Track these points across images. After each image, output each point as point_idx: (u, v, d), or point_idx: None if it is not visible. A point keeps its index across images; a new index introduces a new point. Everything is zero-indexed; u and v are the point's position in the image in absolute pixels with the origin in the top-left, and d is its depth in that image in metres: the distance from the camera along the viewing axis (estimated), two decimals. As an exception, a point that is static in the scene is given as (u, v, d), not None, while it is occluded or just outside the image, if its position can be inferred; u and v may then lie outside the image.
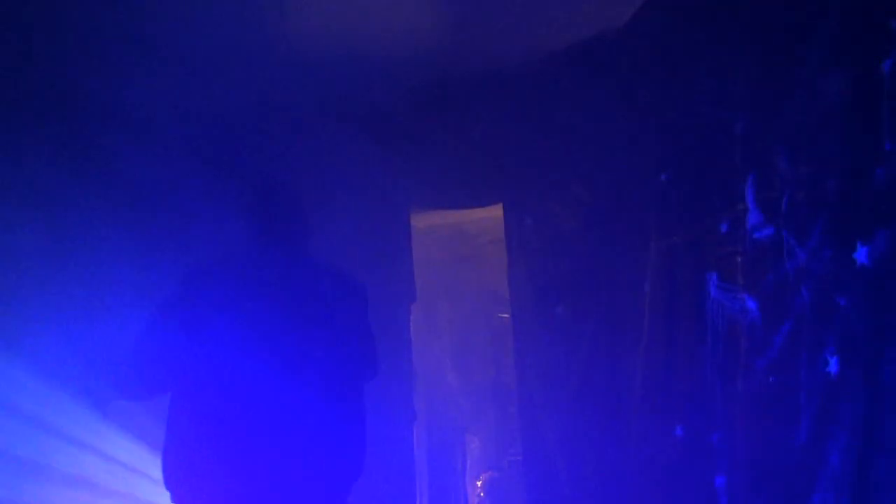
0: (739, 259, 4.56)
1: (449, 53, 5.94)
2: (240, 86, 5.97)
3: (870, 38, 3.96)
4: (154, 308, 4.70)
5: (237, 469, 4.57)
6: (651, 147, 5.34)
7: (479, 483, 8.02)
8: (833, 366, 3.98)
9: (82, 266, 5.75)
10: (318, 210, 6.32)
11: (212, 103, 5.94)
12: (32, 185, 5.59)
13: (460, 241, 8.14)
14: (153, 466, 5.61)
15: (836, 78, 4.14)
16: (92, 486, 5.76)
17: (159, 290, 5.05)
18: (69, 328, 5.63)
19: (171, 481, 4.66)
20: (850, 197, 4.01)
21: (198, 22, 5.35)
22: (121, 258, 5.79)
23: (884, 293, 3.90)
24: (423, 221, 7.57)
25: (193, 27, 5.37)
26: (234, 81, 5.93)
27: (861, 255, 3.94)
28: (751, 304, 4.47)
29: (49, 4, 5.20)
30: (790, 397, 4.13)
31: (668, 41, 5.18)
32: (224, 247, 5.26)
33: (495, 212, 7.19)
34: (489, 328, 8.14)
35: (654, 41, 5.30)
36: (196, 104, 5.88)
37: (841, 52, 4.14)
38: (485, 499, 7.98)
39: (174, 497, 4.66)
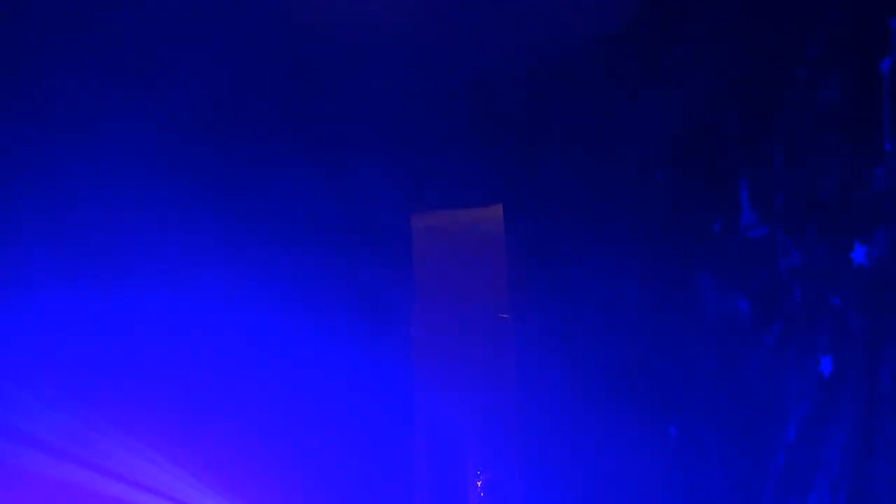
0: (732, 258, 4.56)
1: (448, 54, 5.94)
2: (243, 88, 5.97)
3: (870, 38, 3.95)
4: None
5: None
6: (647, 146, 5.34)
7: (479, 483, 8.00)
8: (826, 365, 3.97)
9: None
10: (319, 212, 6.34)
11: (214, 104, 5.94)
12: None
13: (460, 241, 8.12)
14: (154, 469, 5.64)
15: (836, 77, 4.13)
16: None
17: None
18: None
19: None
20: (849, 197, 4.01)
21: (196, 20, 5.36)
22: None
23: (883, 293, 3.89)
24: (423, 221, 7.55)
25: (195, 23, 5.39)
26: (234, 81, 5.93)
27: (859, 254, 3.93)
28: (742, 304, 4.47)
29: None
30: (782, 397, 4.13)
31: (667, 41, 5.18)
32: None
33: (495, 212, 7.18)
34: (489, 328, 8.11)
35: (652, 41, 5.31)
36: (198, 104, 5.88)
37: (840, 52, 4.13)
38: (485, 499, 7.96)
39: None
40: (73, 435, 5.66)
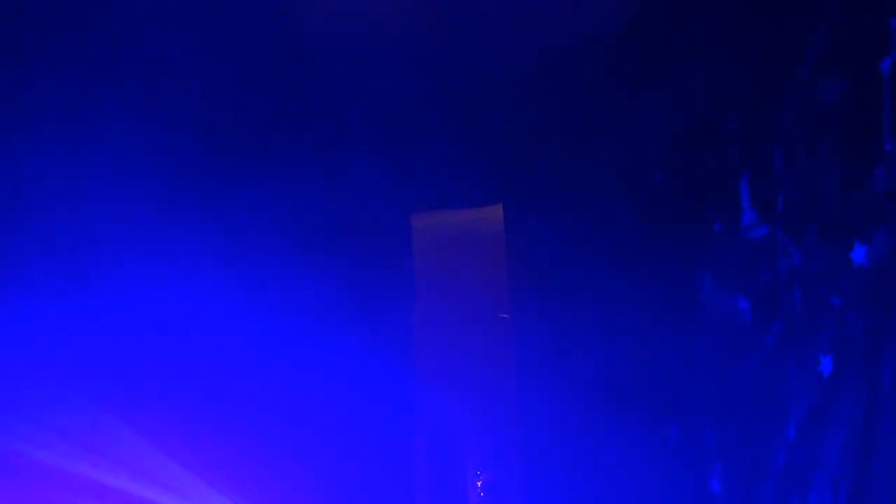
0: (733, 259, 4.56)
1: (448, 54, 5.94)
2: (242, 87, 5.97)
3: (870, 38, 3.95)
4: None
5: None
6: (647, 146, 5.34)
7: (479, 483, 8.00)
8: (826, 365, 3.97)
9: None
10: (319, 212, 6.34)
11: (213, 103, 5.94)
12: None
13: (460, 241, 8.12)
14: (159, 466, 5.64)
15: (836, 78, 4.13)
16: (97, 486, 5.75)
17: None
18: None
19: None
20: (849, 197, 4.01)
21: (193, 20, 5.35)
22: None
23: (882, 293, 3.89)
24: (423, 221, 7.55)
25: (191, 22, 5.38)
26: (236, 82, 5.93)
27: (859, 255, 3.93)
28: (743, 304, 4.47)
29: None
30: (782, 397, 4.13)
31: (666, 41, 5.18)
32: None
33: (495, 212, 7.18)
34: (489, 328, 8.11)
35: (652, 42, 5.30)
36: (197, 103, 5.88)
37: (841, 52, 4.13)
38: (485, 499, 7.96)
39: None
40: (74, 434, 5.66)
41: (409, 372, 6.88)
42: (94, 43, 5.55)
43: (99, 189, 5.69)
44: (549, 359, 6.46)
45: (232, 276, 6.05)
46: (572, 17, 5.55)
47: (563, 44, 5.83)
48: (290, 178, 6.22)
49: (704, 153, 4.87)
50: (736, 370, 4.56)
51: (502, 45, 5.85)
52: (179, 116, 5.85)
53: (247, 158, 6.16)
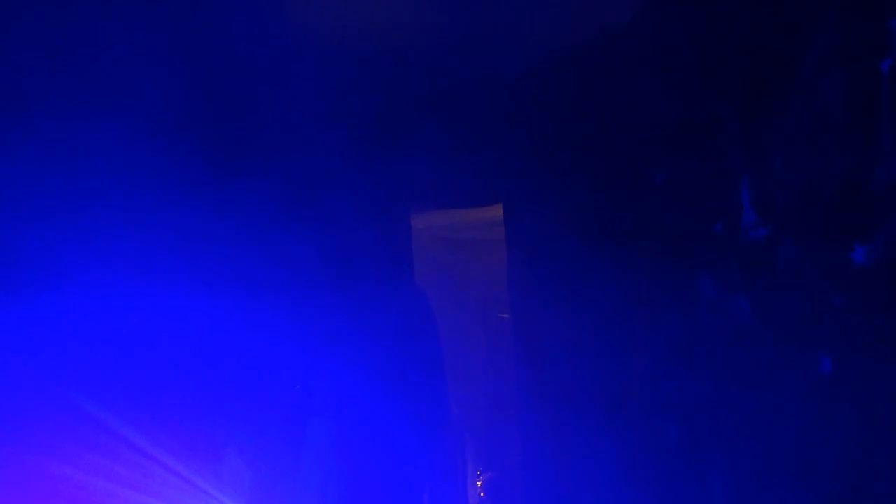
0: (734, 259, 4.56)
1: (449, 55, 5.95)
2: (242, 87, 5.97)
3: (870, 38, 3.96)
4: None
5: None
6: (647, 147, 5.34)
7: (479, 483, 8.01)
8: (826, 365, 3.98)
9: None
10: (319, 213, 6.34)
11: (215, 103, 5.94)
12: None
13: (460, 241, 8.13)
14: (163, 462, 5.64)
15: (836, 78, 4.14)
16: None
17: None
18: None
19: None
20: (848, 197, 4.01)
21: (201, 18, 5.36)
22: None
23: (882, 293, 3.90)
24: (423, 221, 7.56)
25: (190, 23, 5.38)
26: (238, 82, 5.93)
27: (859, 255, 3.94)
28: (744, 304, 4.48)
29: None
30: (781, 397, 4.14)
31: (666, 42, 5.19)
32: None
33: (495, 212, 7.19)
34: (489, 328, 8.13)
35: (653, 42, 5.31)
36: (198, 103, 5.88)
37: (841, 52, 4.14)
38: (485, 499, 7.96)
39: None
40: (73, 435, 5.66)
41: (409, 372, 6.88)
42: (82, 44, 5.55)
43: (97, 190, 5.69)
44: (549, 358, 6.47)
45: (231, 276, 6.06)
46: (572, 17, 5.56)
47: (563, 44, 5.84)
48: (289, 179, 6.22)
49: (704, 153, 4.88)
50: (736, 370, 4.56)
51: (502, 45, 5.86)
52: (178, 117, 5.85)
53: (244, 159, 6.17)
